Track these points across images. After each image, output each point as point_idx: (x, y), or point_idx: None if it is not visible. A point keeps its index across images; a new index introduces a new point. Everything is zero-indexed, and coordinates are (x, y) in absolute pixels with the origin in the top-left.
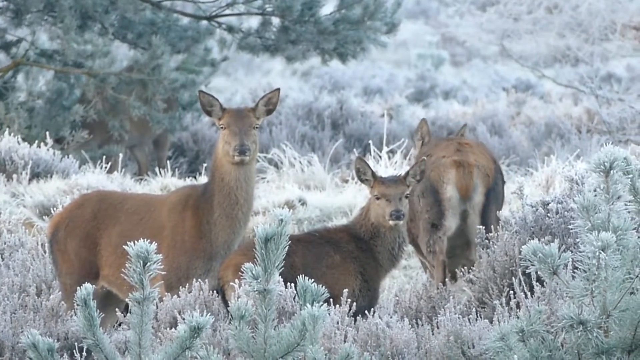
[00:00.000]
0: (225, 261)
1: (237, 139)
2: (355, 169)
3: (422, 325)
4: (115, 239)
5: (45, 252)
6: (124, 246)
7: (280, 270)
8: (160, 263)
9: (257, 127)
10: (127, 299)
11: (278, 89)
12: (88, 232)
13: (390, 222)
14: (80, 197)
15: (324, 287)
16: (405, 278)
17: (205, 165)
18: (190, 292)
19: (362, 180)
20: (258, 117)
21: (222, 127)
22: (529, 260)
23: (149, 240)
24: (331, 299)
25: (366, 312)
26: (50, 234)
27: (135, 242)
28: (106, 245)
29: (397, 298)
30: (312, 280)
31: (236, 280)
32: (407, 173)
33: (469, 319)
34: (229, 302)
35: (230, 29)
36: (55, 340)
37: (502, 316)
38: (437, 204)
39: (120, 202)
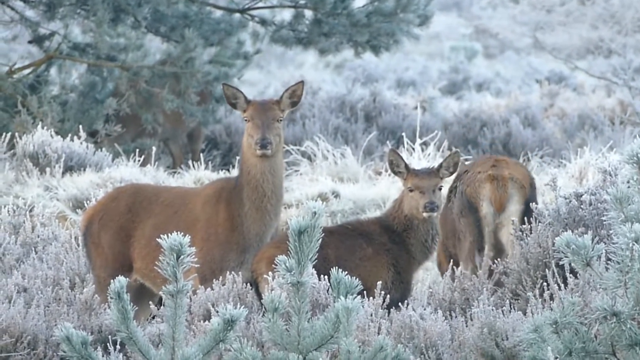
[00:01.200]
0: (258, 254)
1: (260, 132)
2: (388, 161)
3: (456, 317)
4: (149, 231)
5: (78, 245)
6: (157, 239)
7: (314, 263)
8: (194, 256)
9: (281, 120)
10: (160, 292)
11: (302, 82)
12: (122, 224)
13: (424, 214)
14: (114, 190)
15: (357, 279)
16: (438, 270)
17: (237, 157)
18: (223, 285)
19: (395, 173)
20: (282, 109)
21: (246, 120)
22: (562, 252)
23: (182, 233)
24: (364, 291)
25: (400, 304)
26: (84, 227)
27: (169, 234)
28: (140, 237)
29: (430, 290)
30: (345, 272)
31: (269, 273)
32: (441, 165)
33: (502, 311)
34: (262, 295)
35: (263, 22)
36: (89, 334)
37: (536, 308)
38: (477, 225)
39: (155, 195)
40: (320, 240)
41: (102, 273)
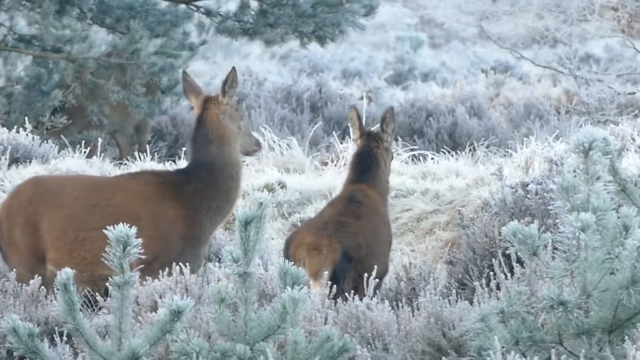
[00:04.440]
0: (294, 239)
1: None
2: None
3: (403, 307)
4: (60, 223)
5: None
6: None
7: (351, 252)
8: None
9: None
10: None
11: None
12: (27, 217)
13: None
14: (16, 187)
15: (382, 263)
16: None
17: (184, 149)
18: (170, 276)
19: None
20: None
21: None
22: (508, 242)
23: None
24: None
25: (347, 294)
26: None
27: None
28: (50, 229)
29: (377, 280)
30: (375, 258)
31: (308, 259)
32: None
33: (449, 301)
34: None
35: (208, 13)
36: (36, 325)
37: (482, 297)
38: None
39: (60, 187)
40: (352, 227)
41: (22, 270)
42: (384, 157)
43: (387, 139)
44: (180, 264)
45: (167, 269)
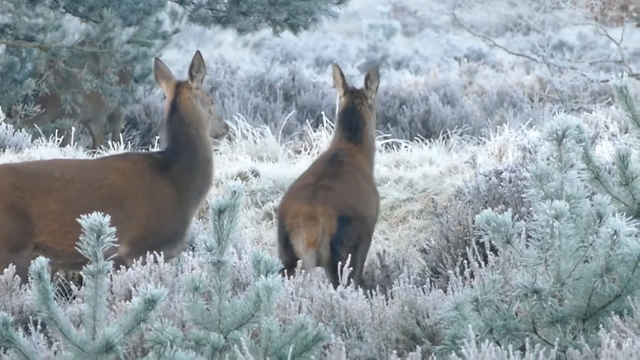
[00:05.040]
0: (289, 209)
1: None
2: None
3: (377, 295)
4: (56, 206)
5: None
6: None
7: (346, 214)
8: (137, 229)
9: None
10: (81, 272)
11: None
12: (11, 203)
13: None
14: None
15: (372, 219)
16: None
17: (157, 137)
18: (144, 265)
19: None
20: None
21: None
22: (482, 230)
23: (119, 207)
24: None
25: (320, 283)
26: None
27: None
28: (43, 213)
29: (351, 268)
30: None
31: (306, 229)
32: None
33: (423, 289)
34: (294, 250)
35: (181, 1)
36: (10, 314)
37: (456, 286)
38: None
39: (45, 170)
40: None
41: None
42: (368, 114)
43: (372, 95)
44: (155, 252)
45: (140, 258)
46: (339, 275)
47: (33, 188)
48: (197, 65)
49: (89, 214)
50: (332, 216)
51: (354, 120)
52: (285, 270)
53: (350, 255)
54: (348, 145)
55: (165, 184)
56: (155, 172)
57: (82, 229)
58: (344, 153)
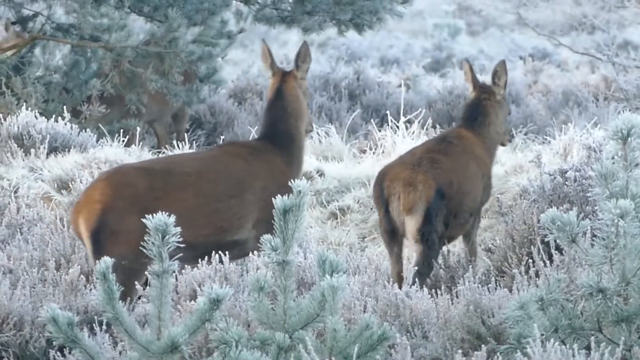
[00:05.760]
0: (388, 173)
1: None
2: (493, 71)
3: (442, 294)
4: (193, 201)
5: (63, 226)
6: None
7: (444, 189)
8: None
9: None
10: (146, 272)
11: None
12: (145, 206)
13: None
14: (114, 177)
15: (472, 200)
16: None
17: (222, 137)
18: (209, 265)
19: (494, 84)
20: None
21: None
22: (547, 229)
23: (254, 194)
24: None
25: (385, 282)
26: (95, 223)
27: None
28: (182, 210)
29: (416, 268)
30: (465, 195)
31: (403, 195)
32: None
33: (488, 288)
34: (390, 214)
35: (246, 1)
36: (75, 314)
37: (521, 285)
38: None
39: (169, 167)
40: (444, 163)
41: (133, 263)
42: (495, 109)
43: (500, 91)
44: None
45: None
46: (428, 247)
47: (168, 187)
48: (303, 55)
49: (227, 202)
50: (432, 187)
51: (475, 111)
52: (384, 239)
53: (462, 236)
54: (462, 130)
55: (280, 170)
56: (267, 158)
57: (220, 217)
58: (454, 135)
